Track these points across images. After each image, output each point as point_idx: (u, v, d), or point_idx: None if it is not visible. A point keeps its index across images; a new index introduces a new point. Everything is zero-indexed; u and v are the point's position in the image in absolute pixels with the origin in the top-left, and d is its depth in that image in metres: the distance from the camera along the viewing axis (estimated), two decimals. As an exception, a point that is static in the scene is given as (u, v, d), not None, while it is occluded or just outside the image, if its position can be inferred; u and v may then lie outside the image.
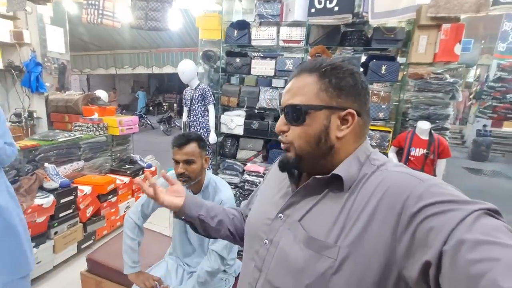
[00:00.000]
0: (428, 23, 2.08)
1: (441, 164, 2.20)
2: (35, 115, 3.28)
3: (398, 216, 0.44)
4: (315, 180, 0.55)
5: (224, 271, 1.46)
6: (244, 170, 2.61)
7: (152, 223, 3.22)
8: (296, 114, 0.55)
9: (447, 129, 2.32)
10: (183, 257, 1.55)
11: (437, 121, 2.35)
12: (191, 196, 0.78)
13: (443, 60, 2.08)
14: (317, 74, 0.55)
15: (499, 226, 0.36)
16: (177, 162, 1.27)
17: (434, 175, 2.20)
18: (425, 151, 2.16)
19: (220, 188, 1.38)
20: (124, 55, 6.19)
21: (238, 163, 2.72)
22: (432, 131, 2.18)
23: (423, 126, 2.16)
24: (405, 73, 2.35)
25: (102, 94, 3.67)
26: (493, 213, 0.39)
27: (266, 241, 0.59)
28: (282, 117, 0.59)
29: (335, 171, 0.53)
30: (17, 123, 3.14)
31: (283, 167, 0.61)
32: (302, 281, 0.50)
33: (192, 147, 1.26)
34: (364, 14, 2.15)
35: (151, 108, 12.54)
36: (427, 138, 2.17)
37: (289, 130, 0.57)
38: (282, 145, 0.60)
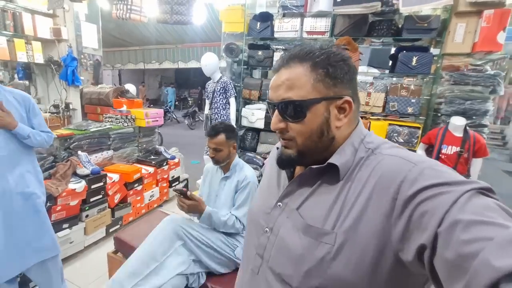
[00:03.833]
0: (467, 9, 1.91)
1: (477, 164, 2.03)
2: (71, 106, 3.53)
3: (393, 201, 0.44)
4: (311, 169, 0.55)
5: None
6: (264, 164, 2.61)
7: (175, 213, 3.35)
8: (296, 110, 0.52)
9: (485, 125, 2.13)
10: None
11: (474, 117, 2.17)
12: None
13: (484, 50, 1.91)
14: (310, 64, 0.52)
15: (491, 205, 0.36)
16: (210, 147, 1.53)
17: (468, 175, 2.03)
18: (458, 149, 1.99)
19: (245, 168, 1.59)
20: (152, 51, 6.43)
21: (258, 156, 2.72)
22: (468, 128, 2.01)
23: (457, 122, 2.00)
24: (438, 65, 2.19)
25: (131, 87, 3.85)
26: (486, 191, 0.38)
27: (267, 229, 0.59)
28: (276, 114, 0.55)
29: (331, 160, 0.52)
30: (55, 114, 3.40)
31: (283, 165, 0.60)
32: (302, 267, 0.51)
33: (220, 138, 1.49)
34: (394, 1, 2.03)
35: (177, 102, 12.92)
36: (461, 135, 2.00)
37: (287, 126, 0.54)
38: (281, 141, 0.57)
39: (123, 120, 3.18)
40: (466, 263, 0.32)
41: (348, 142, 0.54)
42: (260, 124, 2.68)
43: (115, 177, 2.72)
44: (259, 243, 0.60)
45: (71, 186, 2.29)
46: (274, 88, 0.55)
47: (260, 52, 2.63)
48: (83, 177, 2.44)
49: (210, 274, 1.47)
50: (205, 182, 1.70)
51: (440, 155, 2.04)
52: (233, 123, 2.70)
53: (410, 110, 2.30)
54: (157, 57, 6.46)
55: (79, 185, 2.33)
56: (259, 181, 2.66)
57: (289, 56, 0.54)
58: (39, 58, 3.21)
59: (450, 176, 0.42)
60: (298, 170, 0.62)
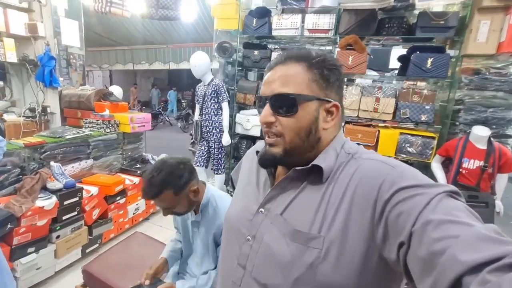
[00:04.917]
0: (493, 4, 1.68)
1: (502, 180, 1.79)
2: (48, 110, 3.21)
3: (374, 203, 0.45)
4: (296, 172, 0.54)
5: None
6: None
7: (163, 227, 3.06)
8: (289, 104, 0.53)
9: (509, 136, 1.90)
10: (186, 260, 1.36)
11: (495, 126, 1.93)
12: None
13: (511, 51, 1.68)
14: (306, 64, 0.53)
15: (459, 206, 0.39)
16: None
17: (493, 192, 1.79)
18: (481, 163, 1.75)
19: (219, 207, 1.14)
20: (141, 51, 6.12)
21: (254, 167, 2.46)
22: (492, 139, 1.77)
23: (481, 133, 1.76)
24: (457, 68, 1.95)
25: (115, 89, 3.54)
26: (454, 194, 0.41)
27: (249, 237, 0.57)
28: (267, 108, 0.55)
29: (316, 162, 0.53)
30: (31, 118, 3.09)
31: (266, 164, 0.59)
32: (291, 274, 0.49)
33: (166, 197, 1.03)
34: (409, -5, 1.79)
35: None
36: (485, 147, 1.76)
37: (277, 121, 0.54)
38: (267, 139, 0.56)
39: (105, 125, 2.88)
40: (436, 259, 0.34)
41: (331, 146, 0.55)
42: (256, 132, 2.41)
43: (94, 190, 2.42)
44: (241, 252, 0.57)
45: (39, 203, 1.98)
46: (268, 83, 0.55)
47: (256, 52, 2.37)
48: (54, 192, 2.13)
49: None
50: (176, 219, 1.34)
51: (461, 170, 1.80)
52: (226, 130, 2.42)
53: (423, 117, 2.06)
54: (146, 58, 6.13)
55: (49, 202, 2.03)
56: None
57: (287, 55, 0.55)
58: (12, 57, 2.90)
59: (424, 178, 0.45)
60: (280, 172, 0.61)
